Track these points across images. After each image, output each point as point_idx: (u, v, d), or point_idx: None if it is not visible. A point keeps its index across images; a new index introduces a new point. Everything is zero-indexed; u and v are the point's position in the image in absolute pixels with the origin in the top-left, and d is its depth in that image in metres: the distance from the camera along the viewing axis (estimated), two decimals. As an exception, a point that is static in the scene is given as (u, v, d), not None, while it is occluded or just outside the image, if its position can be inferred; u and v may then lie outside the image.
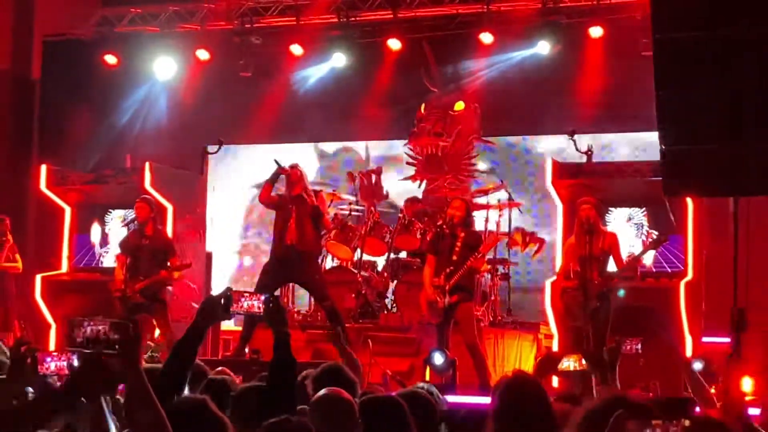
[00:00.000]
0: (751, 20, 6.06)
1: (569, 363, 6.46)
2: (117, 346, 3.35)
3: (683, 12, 6.32)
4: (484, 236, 11.53)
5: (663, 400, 4.54)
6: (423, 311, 10.41)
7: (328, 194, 12.28)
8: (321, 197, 10.75)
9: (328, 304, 10.53)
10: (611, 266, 9.80)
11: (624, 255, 9.98)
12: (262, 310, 4.20)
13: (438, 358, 9.85)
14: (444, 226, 10.33)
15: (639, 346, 6.54)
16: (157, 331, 11.10)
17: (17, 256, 13.13)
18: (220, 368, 6.58)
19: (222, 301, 4.13)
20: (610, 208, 11.03)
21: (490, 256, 11.61)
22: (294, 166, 10.57)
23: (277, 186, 10.86)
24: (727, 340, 10.55)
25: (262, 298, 4.18)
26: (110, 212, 12.95)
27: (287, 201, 10.52)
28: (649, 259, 10.84)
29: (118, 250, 11.47)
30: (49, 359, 3.48)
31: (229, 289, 4.20)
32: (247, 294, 4.20)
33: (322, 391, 4.47)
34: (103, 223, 13.00)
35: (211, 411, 3.53)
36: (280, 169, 10.52)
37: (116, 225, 12.66)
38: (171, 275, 10.99)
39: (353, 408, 4.38)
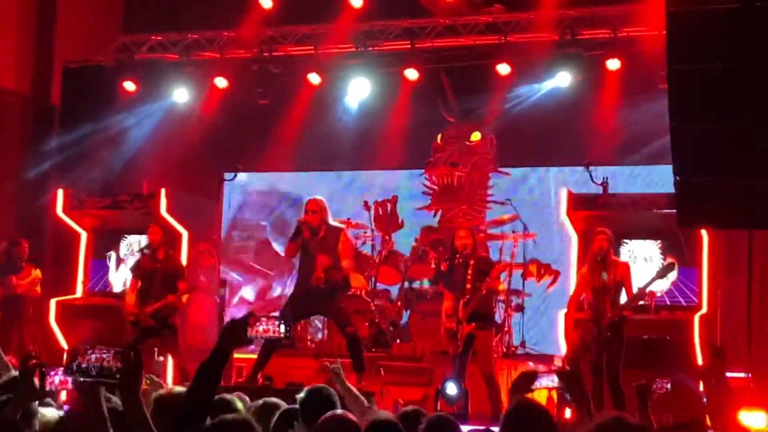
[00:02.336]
0: (766, 53, 6.07)
1: (546, 382, 6.28)
2: (117, 375, 3.37)
3: (699, 44, 6.33)
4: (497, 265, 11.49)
5: (669, 428, 4.49)
6: (444, 344, 10.41)
7: (345, 222, 12.25)
8: (345, 234, 10.61)
9: (350, 331, 10.37)
10: (624, 298, 9.77)
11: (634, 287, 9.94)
12: (279, 334, 4.17)
13: (451, 388, 9.82)
14: (458, 257, 10.30)
15: (669, 386, 6.34)
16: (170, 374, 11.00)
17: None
18: (236, 393, 6.57)
19: (245, 325, 4.10)
20: (625, 240, 11.00)
21: (502, 287, 11.57)
22: (313, 209, 10.24)
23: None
24: (741, 375, 10.50)
25: (281, 326, 4.15)
26: (126, 237, 12.99)
27: (309, 243, 10.28)
28: (665, 286, 10.80)
29: (130, 275, 11.45)
30: (53, 374, 3.51)
31: (251, 313, 4.18)
32: (263, 318, 4.19)
33: (328, 413, 4.47)
34: (118, 249, 13.04)
35: None
36: (302, 225, 10.31)
37: (131, 251, 12.68)
38: (179, 299, 10.87)
39: (358, 430, 4.38)
